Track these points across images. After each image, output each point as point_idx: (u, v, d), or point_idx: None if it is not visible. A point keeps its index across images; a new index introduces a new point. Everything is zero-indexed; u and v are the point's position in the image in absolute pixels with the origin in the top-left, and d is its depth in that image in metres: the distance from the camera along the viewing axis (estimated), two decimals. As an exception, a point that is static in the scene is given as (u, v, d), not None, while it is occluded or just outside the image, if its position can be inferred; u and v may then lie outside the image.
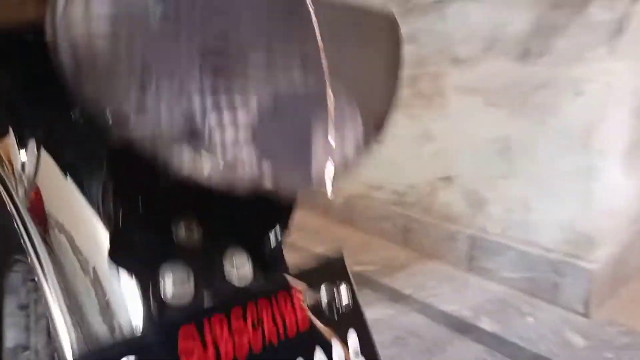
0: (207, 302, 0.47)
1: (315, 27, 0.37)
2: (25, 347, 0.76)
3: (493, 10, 1.77)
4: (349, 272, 0.51)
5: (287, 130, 0.38)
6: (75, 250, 0.50)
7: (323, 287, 0.49)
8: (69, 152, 0.54)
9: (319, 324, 0.47)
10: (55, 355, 0.61)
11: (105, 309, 0.46)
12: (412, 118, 2.07)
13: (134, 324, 0.44)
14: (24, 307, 0.74)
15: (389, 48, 0.46)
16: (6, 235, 0.59)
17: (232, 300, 0.43)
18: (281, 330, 0.45)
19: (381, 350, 0.51)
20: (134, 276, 0.45)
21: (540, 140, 1.71)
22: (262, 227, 0.53)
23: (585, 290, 1.61)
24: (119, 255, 0.45)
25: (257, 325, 0.44)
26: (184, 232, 0.49)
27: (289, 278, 0.47)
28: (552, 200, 1.70)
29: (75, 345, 0.46)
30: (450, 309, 1.65)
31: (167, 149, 0.34)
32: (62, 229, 0.52)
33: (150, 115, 0.33)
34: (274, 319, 0.45)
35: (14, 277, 0.70)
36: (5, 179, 0.62)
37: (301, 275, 0.48)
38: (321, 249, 2.03)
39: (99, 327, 0.46)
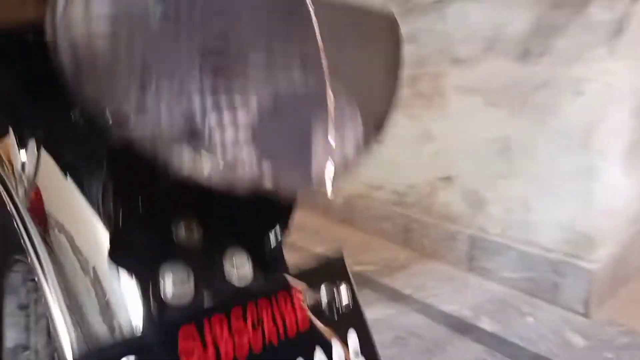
0: (207, 302, 0.47)
1: (315, 27, 0.37)
2: (25, 347, 0.76)
3: (493, 10, 1.77)
4: (349, 272, 0.51)
5: (287, 130, 0.38)
6: (75, 250, 0.50)
7: (323, 287, 0.49)
8: (69, 152, 0.54)
9: (319, 323, 0.47)
10: (55, 355, 0.61)
11: (105, 308, 0.46)
12: (412, 118, 2.07)
13: (134, 324, 0.44)
14: (24, 307, 0.74)
15: (389, 48, 0.46)
16: (6, 235, 0.59)
17: (232, 300, 0.43)
18: (281, 330, 0.45)
19: (381, 350, 0.51)
20: (134, 276, 0.45)
21: (540, 140, 1.71)
22: (262, 227, 0.53)
23: (585, 290, 1.61)
24: (119, 255, 0.45)
25: (257, 325, 0.44)
26: (184, 232, 0.49)
27: (289, 278, 0.47)
28: (552, 200, 1.70)
29: (75, 345, 0.46)
30: (450, 309, 1.65)
31: (167, 149, 0.34)
32: (62, 229, 0.52)
33: (150, 115, 0.33)
34: (274, 319, 0.45)
35: (14, 277, 0.70)
36: (5, 178, 0.62)
37: (301, 275, 0.48)
38: (321, 249, 2.03)
39: (99, 327, 0.46)
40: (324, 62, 0.39)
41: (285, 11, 0.37)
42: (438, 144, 2.03)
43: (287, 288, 0.46)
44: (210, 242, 0.49)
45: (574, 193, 1.65)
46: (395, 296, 1.75)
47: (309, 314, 0.47)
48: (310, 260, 0.50)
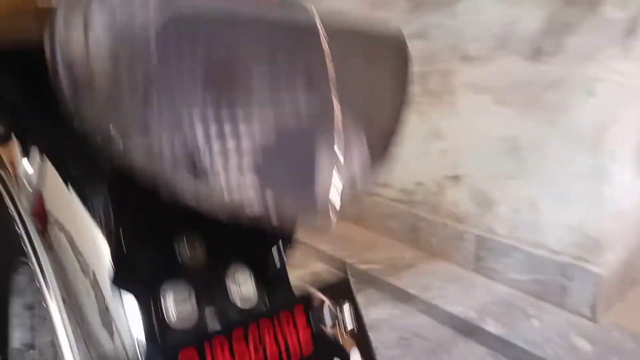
0: (209, 320, 0.46)
1: (325, 50, 0.36)
2: (31, 347, 0.76)
3: (505, 7, 1.74)
4: (354, 293, 0.50)
5: (291, 157, 0.37)
6: (75, 250, 0.50)
7: (328, 307, 0.48)
8: (71, 164, 0.54)
9: (327, 333, 0.47)
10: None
11: (105, 312, 0.46)
12: (420, 115, 2.05)
13: (132, 330, 0.44)
14: (30, 308, 0.75)
15: (397, 67, 0.45)
16: (12, 238, 0.59)
17: (234, 322, 0.43)
18: (283, 351, 0.45)
19: (385, 351, 0.51)
20: (135, 297, 0.44)
21: (550, 140, 1.69)
22: (265, 243, 0.53)
23: (593, 294, 1.59)
24: (121, 278, 0.45)
25: (259, 347, 0.43)
26: (186, 249, 0.48)
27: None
28: (561, 201, 1.68)
29: (75, 345, 0.46)
30: (455, 310, 1.64)
31: (168, 176, 0.33)
32: (63, 229, 0.52)
33: (151, 142, 0.32)
34: (276, 340, 0.44)
35: (20, 279, 0.71)
36: (8, 183, 0.62)
37: (306, 296, 0.47)
38: (326, 246, 2.03)
39: (99, 328, 0.46)
40: (332, 83, 0.38)
41: (292, 35, 0.36)
42: (446, 142, 2.01)
43: (290, 308, 0.46)
44: (213, 259, 0.49)
45: (583, 195, 1.63)
46: (400, 296, 1.74)
47: (323, 328, 0.46)
48: (314, 278, 0.50)
